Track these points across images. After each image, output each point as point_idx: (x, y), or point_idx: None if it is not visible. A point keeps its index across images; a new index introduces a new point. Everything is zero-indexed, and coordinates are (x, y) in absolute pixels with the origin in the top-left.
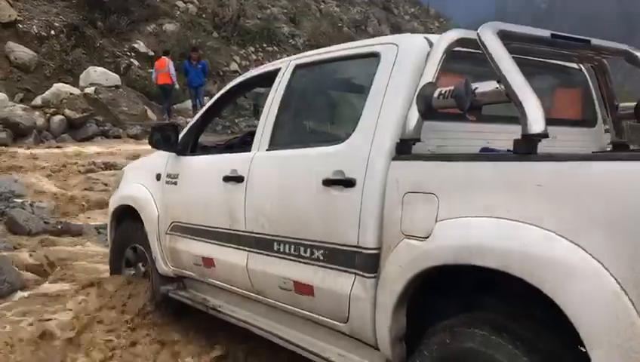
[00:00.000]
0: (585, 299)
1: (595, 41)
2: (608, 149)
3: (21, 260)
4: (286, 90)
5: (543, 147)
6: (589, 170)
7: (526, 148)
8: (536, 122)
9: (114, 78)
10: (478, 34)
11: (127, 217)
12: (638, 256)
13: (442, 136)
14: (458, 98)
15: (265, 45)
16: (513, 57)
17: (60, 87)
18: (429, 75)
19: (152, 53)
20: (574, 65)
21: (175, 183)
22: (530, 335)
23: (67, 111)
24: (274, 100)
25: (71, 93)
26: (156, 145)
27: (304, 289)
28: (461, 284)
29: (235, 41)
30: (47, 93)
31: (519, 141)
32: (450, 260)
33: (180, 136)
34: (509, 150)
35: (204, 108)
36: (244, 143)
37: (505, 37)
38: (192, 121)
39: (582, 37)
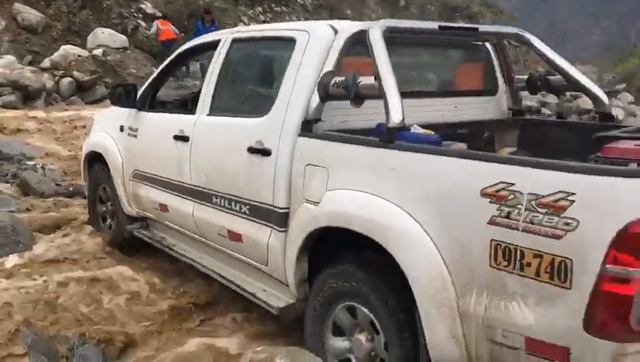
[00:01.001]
0: (412, 257)
1: (483, 28)
2: (508, 115)
3: (34, 221)
4: (224, 61)
5: (446, 113)
6: (421, 159)
7: (387, 137)
8: (396, 116)
9: (122, 40)
10: (367, 33)
11: (98, 161)
12: (451, 227)
13: (345, 113)
14: (346, 88)
15: (273, 6)
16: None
17: (68, 49)
18: (330, 64)
19: (160, 14)
20: (479, 42)
21: (135, 136)
22: (387, 274)
23: (75, 74)
24: (214, 70)
25: (79, 55)
26: (117, 102)
27: (235, 236)
28: (348, 240)
29: (243, 1)
30: (55, 55)
31: (388, 129)
32: (332, 223)
33: (139, 93)
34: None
35: (159, 69)
36: (194, 102)
37: (393, 32)
38: (148, 80)
39: (470, 25)
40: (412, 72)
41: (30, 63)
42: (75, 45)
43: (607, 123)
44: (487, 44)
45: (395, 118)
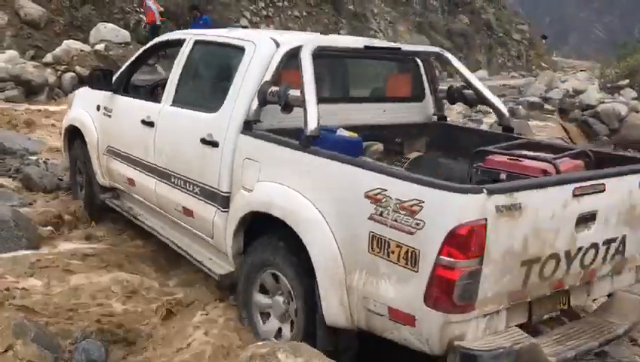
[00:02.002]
0: (314, 239)
1: (405, 48)
2: (433, 119)
3: (38, 216)
4: (187, 59)
5: (376, 117)
6: (325, 163)
7: (304, 143)
8: (312, 126)
9: (124, 35)
10: (299, 52)
11: (76, 135)
12: (343, 219)
13: (284, 116)
14: (278, 98)
15: (276, 1)
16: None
17: (71, 44)
18: (269, 75)
19: (162, 9)
20: (436, 52)
21: (109, 116)
22: (297, 252)
23: (78, 68)
24: (178, 65)
25: (81, 50)
26: (95, 85)
27: (188, 212)
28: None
29: None
30: (57, 50)
31: (306, 137)
32: (259, 208)
33: (114, 77)
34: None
35: (133, 58)
36: (161, 90)
37: (322, 50)
38: (123, 67)
39: (393, 45)
40: (348, 80)
41: (32, 58)
42: (77, 40)
43: (508, 133)
44: (444, 53)
45: (311, 127)
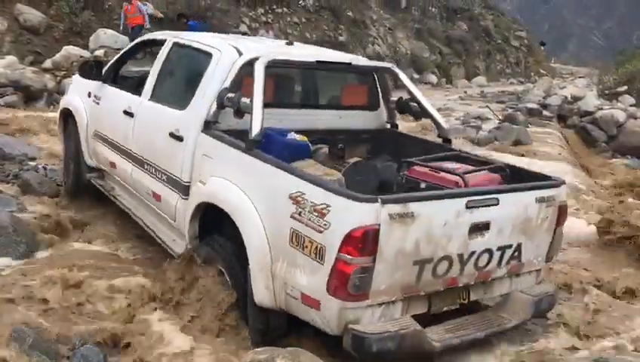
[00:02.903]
0: (248, 229)
1: (355, 62)
2: (387, 126)
3: (36, 222)
4: (165, 59)
5: (332, 122)
6: (261, 166)
7: (249, 146)
8: (255, 132)
9: (123, 40)
10: (253, 64)
11: (70, 117)
12: (272, 215)
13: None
14: (232, 104)
15: (275, 7)
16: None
17: (70, 50)
18: (228, 81)
19: (162, 15)
20: (387, 68)
21: (98, 103)
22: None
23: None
24: (157, 63)
25: (81, 56)
26: (86, 75)
27: (157, 196)
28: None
29: (244, 2)
30: (57, 55)
31: (249, 141)
32: (209, 199)
33: (105, 69)
34: (245, 145)
35: (122, 52)
36: (142, 84)
37: (276, 64)
38: (112, 60)
39: (344, 61)
40: (309, 88)
41: (32, 64)
42: (77, 46)
43: (444, 144)
44: (393, 67)
45: (254, 133)
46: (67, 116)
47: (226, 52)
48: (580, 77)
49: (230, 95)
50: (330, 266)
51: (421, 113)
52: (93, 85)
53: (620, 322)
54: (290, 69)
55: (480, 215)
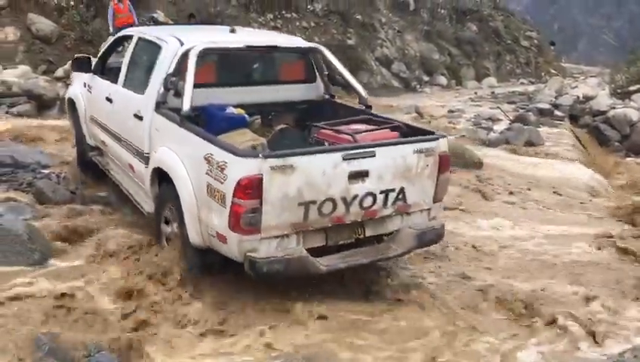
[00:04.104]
0: (181, 186)
1: (282, 44)
2: (326, 97)
3: (50, 229)
4: (132, 51)
5: (273, 95)
6: (188, 135)
7: (181, 120)
8: (185, 108)
9: None
10: (188, 52)
11: (74, 105)
12: (196, 174)
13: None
14: (173, 87)
15: (284, 12)
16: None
17: None
18: (172, 67)
19: (172, 23)
20: (312, 48)
21: (90, 92)
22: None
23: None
24: (126, 56)
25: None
26: (78, 69)
27: (131, 167)
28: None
29: (253, 8)
30: (69, 64)
31: (181, 115)
32: (158, 165)
33: (94, 63)
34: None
35: (105, 47)
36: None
37: (208, 50)
38: (99, 54)
39: (272, 45)
40: (249, 69)
41: (44, 73)
42: (88, 54)
43: (365, 109)
44: (319, 47)
45: (185, 109)
46: (72, 104)
47: (171, 43)
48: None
49: (172, 79)
50: (229, 209)
51: (344, 84)
52: (86, 77)
53: None
54: (235, 52)
55: (358, 165)
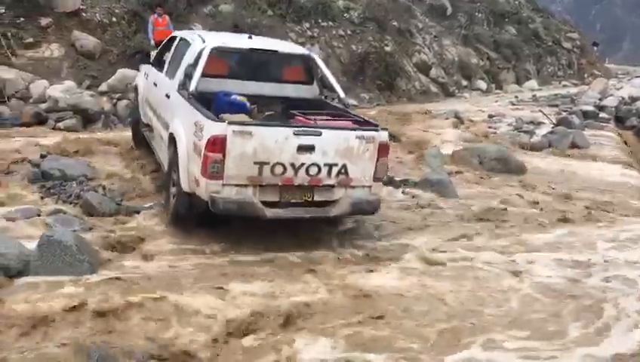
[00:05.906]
0: (180, 144)
1: (281, 50)
2: (319, 97)
3: (98, 240)
4: (175, 48)
5: (276, 91)
6: (188, 108)
7: (187, 97)
8: (191, 88)
9: None
10: (207, 50)
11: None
12: (189, 135)
13: (207, 84)
14: (189, 73)
15: (320, 21)
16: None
17: (125, 73)
18: (192, 60)
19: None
20: (305, 54)
21: (147, 79)
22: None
23: (132, 96)
24: (171, 51)
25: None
26: (139, 62)
27: (162, 138)
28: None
29: (290, 18)
30: (112, 78)
31: (189, 93)
32: (170, 130)
33: (152, 58)
34: (189, 95)
35: (160, 47)
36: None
37: (218, 49)
38: (156, 52)
39: (272, 49)
40: (253, 67)
41: (89, 88)
42: (130, 69)
43: (345, 108)
44: (311, 54)
45: (191, 89)
46: (135, 89)
47: (196, 41)
48: (636, 77)
49: (191, 68)
50: (202, 159)
51: (328, 86)
52: (147, 67)
53: None
54: (242, 53)
55: (306, 140)
